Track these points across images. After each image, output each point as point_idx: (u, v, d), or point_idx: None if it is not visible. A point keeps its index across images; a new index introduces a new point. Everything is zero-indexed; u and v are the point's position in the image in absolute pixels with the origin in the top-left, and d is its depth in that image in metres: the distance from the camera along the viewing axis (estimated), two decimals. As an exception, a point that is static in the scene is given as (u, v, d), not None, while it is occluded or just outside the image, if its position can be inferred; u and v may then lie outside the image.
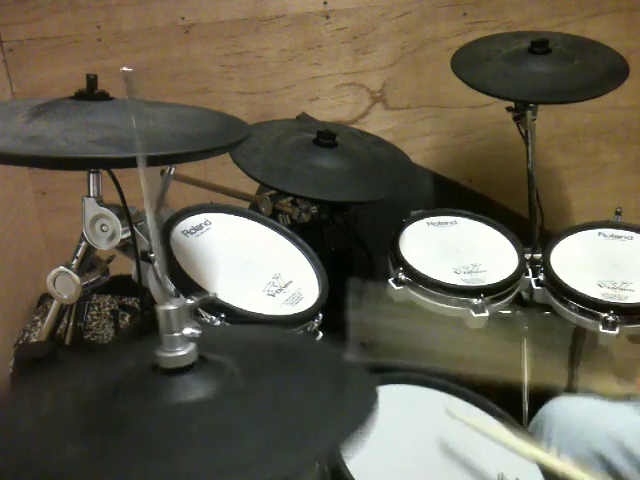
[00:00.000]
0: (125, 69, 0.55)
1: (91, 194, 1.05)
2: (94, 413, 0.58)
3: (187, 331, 0.61)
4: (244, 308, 1.04)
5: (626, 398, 1.13)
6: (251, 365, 0.65)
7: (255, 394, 0.60)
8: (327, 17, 1.92)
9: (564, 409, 1.12)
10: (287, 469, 0.50)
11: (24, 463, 0.52)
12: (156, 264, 1.05)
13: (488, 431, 0.97)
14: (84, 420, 0.58)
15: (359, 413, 0.56)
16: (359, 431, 0.53)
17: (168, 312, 0.60)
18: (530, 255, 1.44)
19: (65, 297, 1.09)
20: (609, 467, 1.03)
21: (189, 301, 0.63)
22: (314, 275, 1.20)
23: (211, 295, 0.83)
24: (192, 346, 0.61)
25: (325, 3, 1.91)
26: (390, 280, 1.32)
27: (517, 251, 1.40)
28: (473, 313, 1.26)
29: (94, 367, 0.69)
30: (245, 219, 1.27)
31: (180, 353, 0.60)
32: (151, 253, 1.06)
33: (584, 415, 1.09)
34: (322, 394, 0.61)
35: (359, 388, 0.62)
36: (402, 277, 1.31)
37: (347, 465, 0.85)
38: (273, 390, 0.62)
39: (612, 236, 1.44)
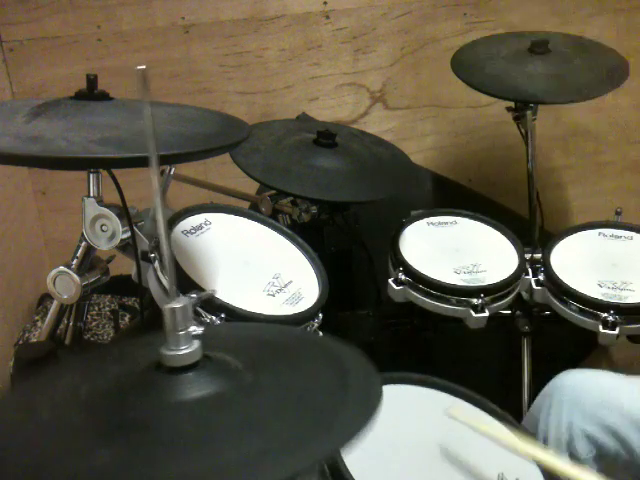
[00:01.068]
0: (139, 67, 0.55)
1: (91, 194, 1.05)
2: (109, 415, 0.58)
3: (191, 329, 0.61)
4: (244, 308, 1.04)
5: None
6: (254, 362, 0.65)
7: (260, 391, 0.60)
8: (327, 17, 1.92)
9: (576, 382, 1.09)
10: (294, 467, 0.50)
11: (54, 473, 0.52)
12: (156, 264, 1.05)
13: (489, 432, 0.96)
14: (102, 423, 0.57)
15: (364, 409, 0.56)
16: (364, 428, 0.53)
17: (174, 310, 0.60)
18: (530, 255, 1.44)
19: (65, 297, 1.09)
20: (623, 443, 1.01)
21: (187, 298, 0.63)
22: (314, 275, 1.20)
23: (209, 292, 0.83)
24: (197, 344, 0.61)
25: (325, 3, 1.91)
26: (390, 280, 1.32)
27: (517, 251, 1.40)
28: (473, 313, 1.26)
29: (90, 368, 0.69)
30: (245, 219, 1.27)
31: (185, 351, 0.60)
32: (151, 253, 1.06)
33: (598, 389, 1.07)
34: (326, 391, 0.61)
35: (363, 384, 0.62)
36: (402, 277, 1.31)
37: (347, 466, 0.85)
38: (278, 387, 0.62)
39: (612, 236, 1.44)
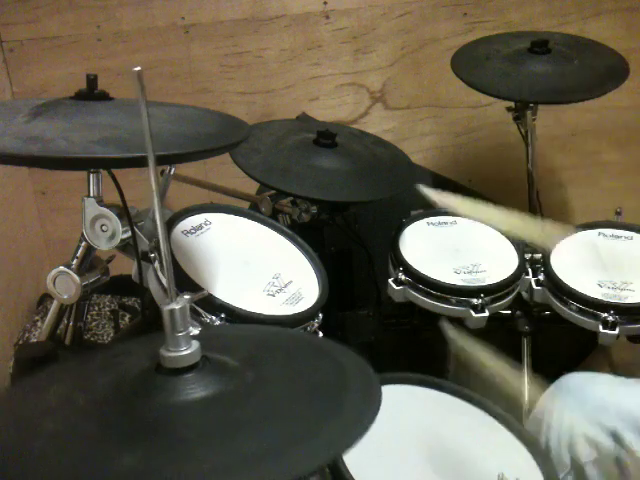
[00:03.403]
0: (136, 69, 0.55)
1: (91, 194, 1.04)
2: (120, 420, 0.57)
3: (190, 329, 0.61)
4: (244, 308, 1.04)
5: None
6: (253, 364, 0.65)
7: (258, 393, 0.60)
8: (327, 17, 1.92)
9: (579, 384, 1.11)
10: (290, 470, 0.50)
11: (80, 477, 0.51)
12: (156, 264, 1.05)
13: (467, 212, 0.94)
14: (116, 429, 0.56)
15: (363, 412, 0.56)
16: (362, 431, 0.53)
17: (173, 311, 0.60)
18: (530, 255, 1.44)
19: (65, 297, 1.09)
20: (622, 445, 1.02)
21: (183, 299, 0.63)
22: (314, 275, 1.20)
23: (205, 292, 0.83)
24: (196, 344, 0.61)
25: (325, 3, 1.91)
26: (390, 280, 1.32)
27: (517, 251, 1.40)
28: (473, 313, 1.26)
29: (89, 370, 0.69)
30: (245, 219, 1.27)
31: (185, 352, 0.60)
32: (151, 253, 1.06)
33: (600, 392, 1.09)
34: (325, 394, 0.61)
35: (362, 387, 0.62)
36: (402, 277, 1.31)
37: (347, 465, 0.85)
38: (277, 390, 0.62)
39: (612, 236, 1.44)
